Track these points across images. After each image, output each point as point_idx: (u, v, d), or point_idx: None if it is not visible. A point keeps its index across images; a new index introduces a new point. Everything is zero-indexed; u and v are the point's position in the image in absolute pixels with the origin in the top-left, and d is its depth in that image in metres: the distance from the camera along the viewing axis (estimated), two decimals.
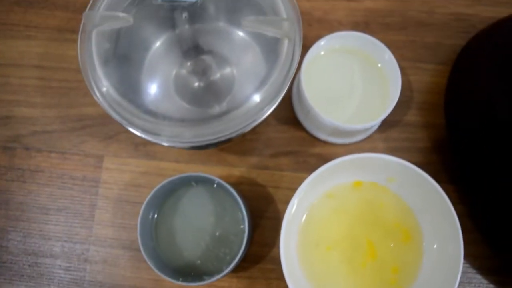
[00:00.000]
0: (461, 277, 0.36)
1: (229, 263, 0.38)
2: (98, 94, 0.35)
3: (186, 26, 0.38)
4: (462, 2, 0.50)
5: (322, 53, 0.45)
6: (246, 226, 0.39)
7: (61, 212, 0.46)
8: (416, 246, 0.41)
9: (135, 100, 0.35)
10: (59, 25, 0.50)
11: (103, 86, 0.35)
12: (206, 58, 0.41)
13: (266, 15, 0.37)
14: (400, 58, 0.44)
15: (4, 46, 0.50)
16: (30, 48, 0.50)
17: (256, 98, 0.36)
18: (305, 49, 0.42)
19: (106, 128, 0.47)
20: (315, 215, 0.41)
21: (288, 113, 0.47)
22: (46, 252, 0.45)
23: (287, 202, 0.38)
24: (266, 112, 0.35)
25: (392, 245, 0.41)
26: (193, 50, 0.40)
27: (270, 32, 0.35)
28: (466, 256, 0.43)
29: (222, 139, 0.34)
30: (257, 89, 0.36)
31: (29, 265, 0.45)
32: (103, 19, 0.35)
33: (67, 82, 0.48)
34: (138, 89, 0.38)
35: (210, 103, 0.40)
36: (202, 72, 0.41)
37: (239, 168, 0.46)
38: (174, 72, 0.41)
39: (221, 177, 0.40)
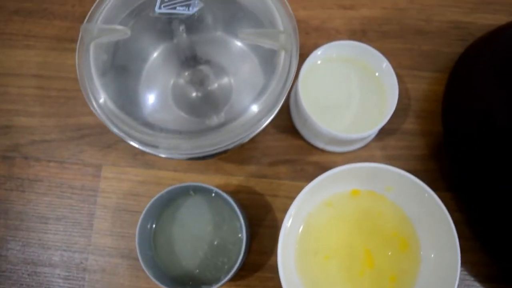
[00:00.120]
0: (458, 285, 0.36)
1: (227, 272, 0.38)
2: (96, 106, 0.35)
3: (184, 37, 0.38)
4: (460, 10, 0.51)
5: (319, 62, 0.45)
6: (244, 235, 0.39)
7: (60, 221, 0.46)
8: (414, 254, 0.41)
9: (132, 112, 0.35)
10: (58, 35, 0.50)
11: (101, 98, 0.35)
12: (204, 68, 0.41)
13: (263, 26, 0.37)
14: (397, 66, 0.44)
15: (3, 55, 0.50)
16: (29, 58, 0.50)
17: (254, 108, 0.36)
18: (303, 57, 0.42)
19: (105, 137, 0.47)
20: (313, 224, 0.42)
21: (286, 122, 0.47)
22: (45, 261, 0.45)
23: (285, 210, 0.38)
24: (264, 123, 0.36)
25: (389, 253, 0.41)
26: (191, 60, 0.41)
27: (267, 44, 0.36)
28: (464, 264, 0.43)
29: (220, 150, 0.34)
30: (255, 100, 0.36)
31: (28, 274, 0.45)
32: (101, 31, 0.35)
33: (66, 92, 0.49)
34: (136, 101, 0.38)
35: (208, 113, 0.40)
36: (200, 82, 0.41)
37: (238, 177, 0.46)
38: (172, 82, 0.41)
39: (219, 186, 0.40)
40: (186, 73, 0.41)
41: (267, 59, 0.37)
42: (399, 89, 0.42)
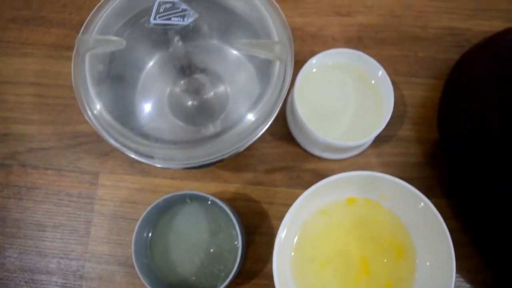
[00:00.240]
0: None
1: (224, 280, 0.39)
2: (91, 117, 0.35)
3: (179, 46, 0.38)
4: (456, 16, 0.51)
5: (315, 70, 0.45)
6: (240, 243, 0.39)
7: (57, 228, 0.46)
8: (409, 262, 0.41)
9: (128, 122, 0.36)
10: (55, 42, 0.51)
11: (96, 109, 0.35)
12: (200, 77, 0.41)
13: (259, 36, 0.37)
14: (393, 73, 0.44)
15: (1, 63, 0.50)
16: (27, 65, 0.50)
17: (250, 117, 0.36)
18: (299, 64, 0.42)
19: (102, 145, 0.47)
20: (309, 231, 0.42)
21: (282, 129, 0.47)
22: (42, 268, 0.45)
23: (281, 218, 0.38)
24: (259, 132, 0.36)
25: (385, 261, 0.41)
26: (186, 69, 0.41)
27: (262, 54, 0.36)
28: (460, 270, 0.43)
29: (215, 160, 0.35)
30: (251, 108, 0.36)
31: (25, 282, 0.45)
32: (96, 42, 0.35)
33: (63, 99, 0.49)
34: (132, 110, 0.38)
35: (204, 121, 0.40)
36: (196, 90, 0.41)
37: (234, 184, 0.46)
38: (168, 91, 0.41)
39: (216, 193, 0.40)
40: (182, 82, 0.41)
41: (263, 68, 0.37)
42: (395, 96, 0.42)
